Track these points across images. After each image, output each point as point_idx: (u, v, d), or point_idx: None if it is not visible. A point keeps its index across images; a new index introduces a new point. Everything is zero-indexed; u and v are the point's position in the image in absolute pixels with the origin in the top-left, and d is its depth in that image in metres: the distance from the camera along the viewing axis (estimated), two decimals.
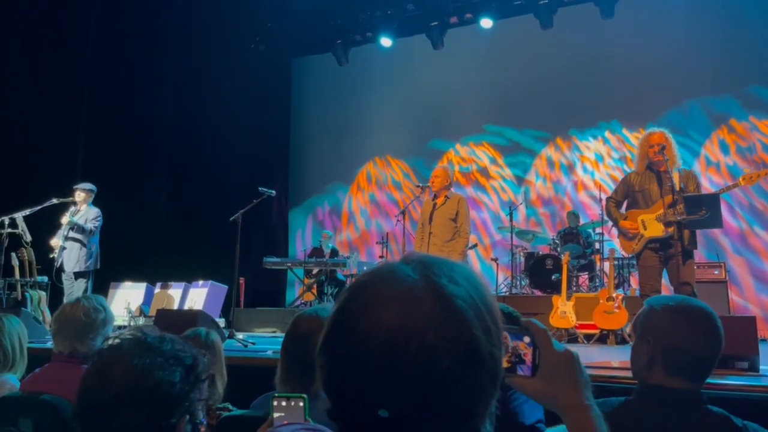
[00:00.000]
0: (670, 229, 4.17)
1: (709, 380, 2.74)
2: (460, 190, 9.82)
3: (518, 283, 8.15)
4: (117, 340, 1.25)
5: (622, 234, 4.52)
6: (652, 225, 4.31)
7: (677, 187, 4.20)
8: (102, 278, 7.15)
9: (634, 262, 7.36)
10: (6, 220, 6.48)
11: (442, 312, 0.68)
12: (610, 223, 7.71)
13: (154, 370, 1.20)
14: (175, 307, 7.36)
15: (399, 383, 0.66)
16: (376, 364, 0.66)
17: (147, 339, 1.25)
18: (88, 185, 6.78)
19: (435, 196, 5.82)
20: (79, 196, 6.67)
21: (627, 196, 4.56)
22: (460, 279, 0.72)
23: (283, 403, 1.47)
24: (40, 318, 6.32)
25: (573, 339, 6.15)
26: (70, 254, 6.55)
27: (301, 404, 1.46)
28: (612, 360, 4.41)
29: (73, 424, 1.20)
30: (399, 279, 0.71)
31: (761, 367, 3.27)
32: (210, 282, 7.55)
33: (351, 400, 0.69)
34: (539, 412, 1.99)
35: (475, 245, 8.15)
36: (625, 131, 9.20)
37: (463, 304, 0.70)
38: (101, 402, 1.17)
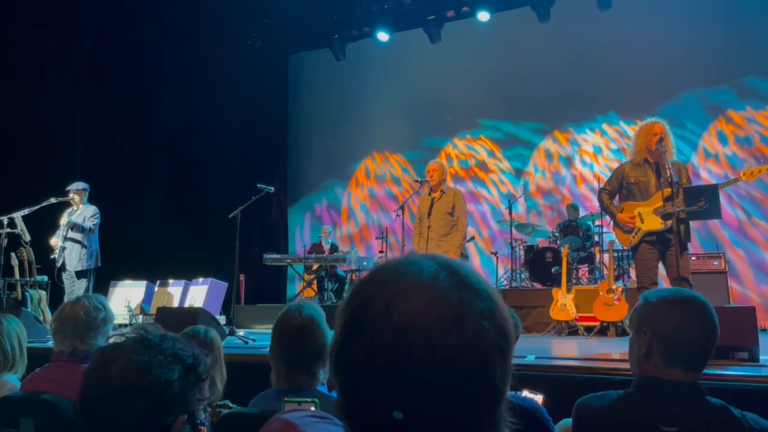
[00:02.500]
0: (669, 222, 4.16)
1: (709, 371, 2.76)
2: (460, 184, 9.82)
3: (518, 276, 8.16)
4: (121, 338, 1.26)
5: (619, 227, 4.50)
6: (649, 218, 4.29)
7: (675, 178, 4.18)
8: (102, 277, 7.15)
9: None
10: (5, 220, 6.48)
11: (476, 300, 0.68)
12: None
13: (152, 368, 1.21)
14: (176, 304, 7.36)
15: (446, 375, 0.65)
16: (417, 359, 0.65)
17: (148, 337, 1.26)
18: (80, 184, 6.77)
19: (432, 191, 5.85)
20: (73, 197, 6.66)
21: (620, 187, 4.53)
22: (471, 272, 0.72)
23: (295, 407, 1.47)
24: (41, 317, 6.32)
25: (573, 331, 6.16)
26: (71, 254, 6.55)
27: (313, 408, 1.46)
28: (612, 352, 4.42)
29: (76, 418, 1.21)
30: (418, 272, 0.70)
31: (761, 357, 3.28)
32: (210, 279, 7.55)
33: (384, 400, 0.66)
34: None
35: (473, 238, 8.14)
36: (622, 123, 9.19)
37: (489, 291, 0.71)
38: (100, 396, 1.19)
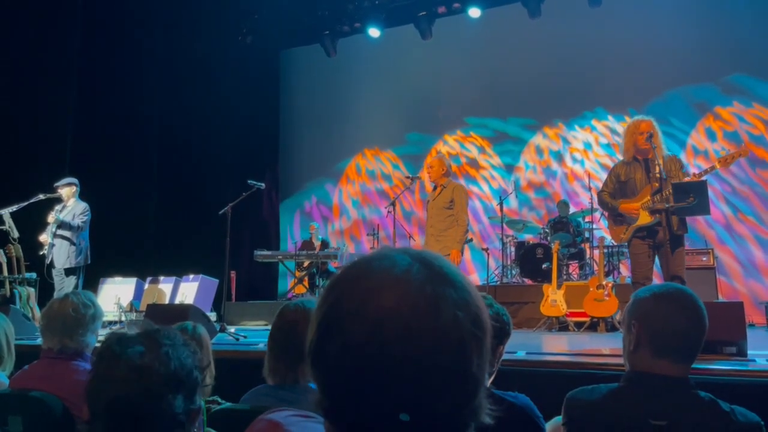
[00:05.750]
0: (656, 217, 4.19)
1: (698, 365, 2.78)
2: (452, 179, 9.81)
3: (509, 272, 8.18)
4: (132, 331, 1.29)
5: (619, 219, 4.50)
6: (639, 213, 4.34)
7: (663, 174, 4.22)
8: (92, 274, 7.10)
9: (624, 250, 7.45)
10: None
11: (449, 290, 0.68)
12: (599, 213, 7.80)
13: (186, 358, 1.28)
14: (166, 301, 7.33)
15: (423, 366, 0.65)
16: (393, 353, 0.64)
17: (163, 330, 1.31)
18: (68, 180, 6.70)
19: (434, 188, 5.80)
20: (63, 193, 6.60)
21: (616, 186, 4.58)
22: (445, 263, 0.72)
23: None
24: (30, 315, 6.26)
25: (564, 327, 6.18)
26: (59, 251, 6.49)
27: None
28: (602, 347, 4.45)
29: (99, 415, 1.22)
30: (391, 266, 0.69)
31: (749, 351, 3.31)
32: (201, 276, 7.52)
33: (364, 397, 0.66)
34: None
35: (471, 240, 8.17)
36: (611, 118, 9.24)
37: (463, 281, 0.71)
38: (156, 385, 1.22)
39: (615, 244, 7.47)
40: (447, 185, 5.69)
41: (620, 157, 4.77)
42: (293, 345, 1.86)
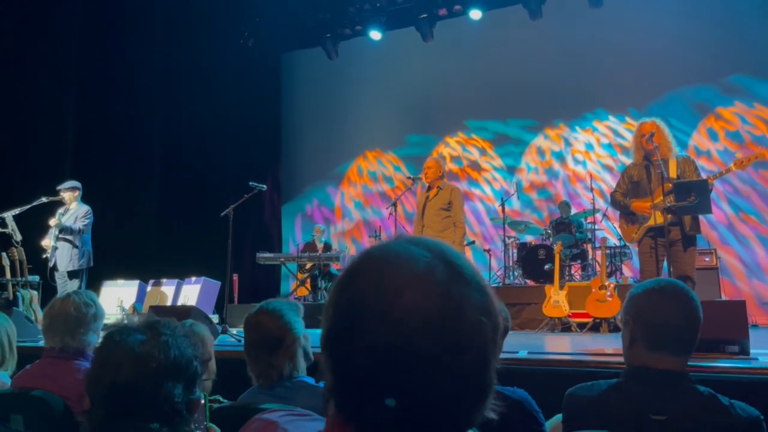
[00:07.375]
0: (669, 217, 4.17)
1: (700, 363, 2.78)
2: (453, 182, 9.81)
3: (511, 273, 8.18)
4: (133, 321, 1.33)
5: (631, 218, 4.49)
6: (651, 213, 4.33)
7: (674, 174, 4.22)
8: (94, 276, 7.10)
9: (626, 251, 7.45)
10: None
11: (473, 293, 0.68)
12: (600, 214, 7.79)
13: (184, 347, 1.30)
14: (169, 303, 7.33)
15: (446, 368, 0.65)
16: (417, 353, 0.64)
17: (164, 321, 1.34)
18: (71, 183, 6.70)
19: (429, 188, 5.82)
20: (66, 196, 6.61)
21: (629, 187, 4.59)
22: (464, 261, 0.72)
23: None
24: (32, 317, 6.27)
25: (566, 328, 6.17)
26: (62, 254, 6.51)
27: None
28: (605, 347, 4.44)
29: (101, 405, 1.23)
30: (412, 261, 0.68)
31: (751, 350, 3.30)
32: (203, 278, 7.52)
33: (383, 395, 0.65)
34: None
35: (473, 242, 8.17)
36: (612, 119, 9.23)
37: (482, 282, 0.70)
38: (155, 372, 1.23)
39: (617, 244, 7.47)
40: (444, 187, 5.78)
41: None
42: (264, 339, 1.93)
